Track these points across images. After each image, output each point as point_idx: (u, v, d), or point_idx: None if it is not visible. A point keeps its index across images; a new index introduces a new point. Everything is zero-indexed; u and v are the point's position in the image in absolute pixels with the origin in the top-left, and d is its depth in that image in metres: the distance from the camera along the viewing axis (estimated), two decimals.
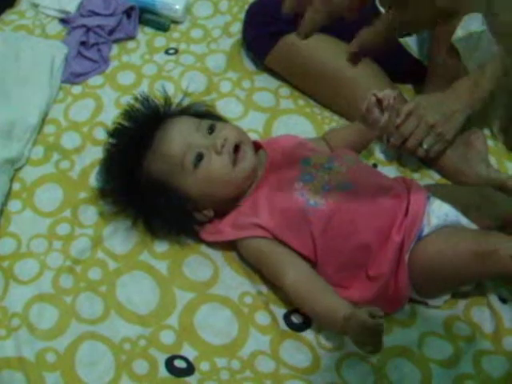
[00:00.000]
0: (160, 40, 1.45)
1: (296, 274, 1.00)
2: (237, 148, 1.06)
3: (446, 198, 1.06)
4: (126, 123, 1.12)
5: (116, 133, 1.13)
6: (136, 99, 1.14)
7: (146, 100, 1.14)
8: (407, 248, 0.99)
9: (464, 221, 1.03)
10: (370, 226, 1.01)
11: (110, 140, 1.13)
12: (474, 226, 1.03)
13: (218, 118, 1.16)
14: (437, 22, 0.66)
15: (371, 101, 1.11)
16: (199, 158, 1.05)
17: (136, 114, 1.12)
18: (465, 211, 1.04)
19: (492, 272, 0.98)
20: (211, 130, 1.08)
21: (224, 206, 1.08)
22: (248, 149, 1.07)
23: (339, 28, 1.28)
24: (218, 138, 1.05)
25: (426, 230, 1.01)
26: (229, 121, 1.20)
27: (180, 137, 1.06)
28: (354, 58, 0.71)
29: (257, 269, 1.07)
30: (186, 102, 1.18)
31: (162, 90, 1.18)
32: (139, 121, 1.12)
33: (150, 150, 1.08)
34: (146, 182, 1.07)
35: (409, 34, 1.24)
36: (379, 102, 1.11)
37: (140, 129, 1.10)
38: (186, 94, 1.20)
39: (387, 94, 1.11)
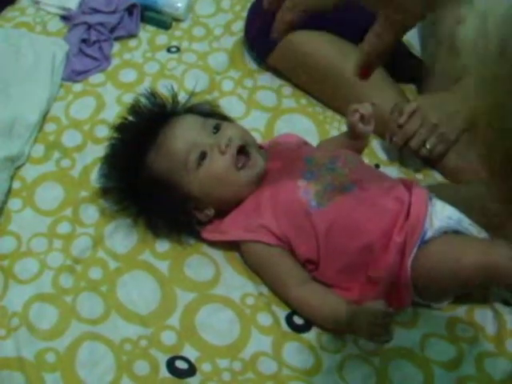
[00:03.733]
0: (162, 38, 1.44)
1: (298, 286, 1.01)
2: (242, 149, 1.06)
3: (448, 199, 1.05)
4: (131, 118, 1.12)
5: (121, 127, 1.12)
6: (143, 95, 1.14)
7: (152, 96, 1.13)
8: (409, 252, 0.98)
9: (467, 222, 1.02)
10: (373, 227, 1.00)
11: (115, 134, 1.12)
12: (477, 227, 1.02)
13: (224, 118, 1.16)
14: (426, 13, 0.63)
15: (355, 117, 1.07)
16: (203, 156, 1.04)
17: (142, 110, 1.12)
18: (467, 211, 1.04)
19: (494, 283, 0.99)
20: (216, 129, 1.07)
21: (225, 206, 1.07)
22: (256, 153, 1.07)
23: (342, 27, 1.29)
24: (223, 138, 1.05)
25: (429, 233, 1.00)
26: (234, 120, 1.19)
27: (185, 135, 1.06)
28: (365, 74, 0.67)
29: (256, 273, 1.06)
30: (188, 101, 1.17)
31: (170, 87, 1.18)
32: (145, 116, 1.11)
33: (154, 146, 1.07)
34: (148, 178, 1.07)
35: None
36: (362, 116, 1.07)
37: (145, 124, 1.10)
38: (188, 93, 1.20)
39: (366, 107, 1.07)
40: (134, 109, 1.12)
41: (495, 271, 0.95)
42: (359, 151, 1.15)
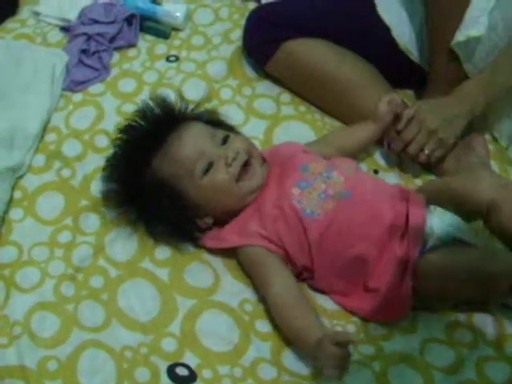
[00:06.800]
0: (161, 47, 1.45)
1: (281, 286, 1.00)
2: (246, 162, 1.06)
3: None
4: (139, 121, 1.12)
5: (128, 129, 1.12)
6: (152, 99, 1.14)
7: (161, 101, 1.14)
8: (411, 265, 0.98)
9: (466, 228, 1.02)
10: (366, 236, 1.00)
11: (121, 136, 1.12)
12: (475, 232, 1.02)
13: (231, 128, 1.16)
14: None
15: (384, 99, 1.19)
16: (209, 166, 1.05)
17: (150, 113, 1.12)
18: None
19: (491, 290, 0.99)
20: (224, 140, 1.08)
21: (225, 215, 1.08)
22: (257, 165, 1.08)
23: (339, 34, 1.29)
24: (231, 150, 1.05)
25: (429, 242, 1.00)
26: (240, 132, 1.19)
27: (194, 143, 1.07)
28: None
29: (249, 276, 1.07)
30: (196, 109, 1.17)
31: (172, 95, 1.18)
32: (153, 120, 1.12)
33: (161, 150, 1.08)
34: (152, 182, 1.07)
35: None
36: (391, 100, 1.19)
37: (153, 128, 1.10)
38: (187, 102, 1.20)
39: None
40: (143, 112, 1.12)
41: (492, 280, 0.96)
42: (366, 146, 1.22)
